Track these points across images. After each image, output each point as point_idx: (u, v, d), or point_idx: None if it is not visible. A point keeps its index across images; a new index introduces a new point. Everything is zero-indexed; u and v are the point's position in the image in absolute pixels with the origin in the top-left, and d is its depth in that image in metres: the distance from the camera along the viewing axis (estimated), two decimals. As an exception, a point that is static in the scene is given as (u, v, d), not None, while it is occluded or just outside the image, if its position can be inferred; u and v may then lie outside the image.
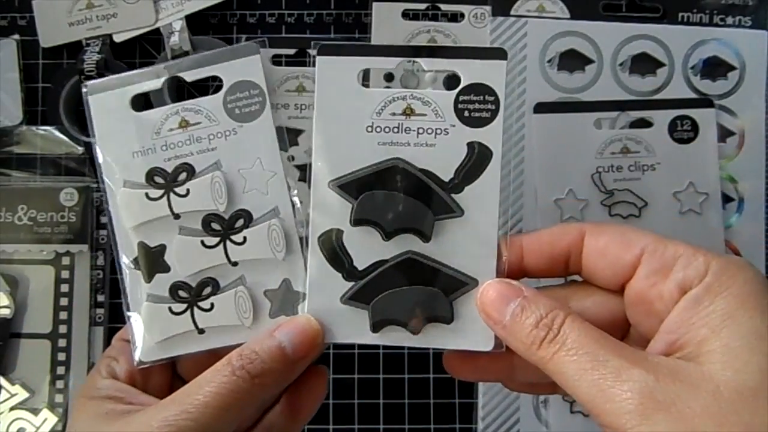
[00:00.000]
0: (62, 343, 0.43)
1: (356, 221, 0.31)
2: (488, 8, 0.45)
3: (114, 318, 0.44)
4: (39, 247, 0.43)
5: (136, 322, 0.32)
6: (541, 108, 0.43)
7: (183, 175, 0.33)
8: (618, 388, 0.24)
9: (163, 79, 0.33)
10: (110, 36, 0.45)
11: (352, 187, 0.32)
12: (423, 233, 0.31)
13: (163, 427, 0.28)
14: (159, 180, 0.33)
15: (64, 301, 0.43)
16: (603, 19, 0.45)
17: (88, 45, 0.44)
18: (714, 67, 0.45)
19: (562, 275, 0.31)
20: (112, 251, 0.33)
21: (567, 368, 0.26)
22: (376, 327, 0.31)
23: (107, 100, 0.33)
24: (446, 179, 0.32)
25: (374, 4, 0.44)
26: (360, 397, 0.45)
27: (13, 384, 0.43)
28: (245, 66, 0.33)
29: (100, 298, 0.44)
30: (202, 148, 0.33)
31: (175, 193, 0.32)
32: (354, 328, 0.31)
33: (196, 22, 0.45)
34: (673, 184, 0.43)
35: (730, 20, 0.45)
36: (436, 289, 0.31)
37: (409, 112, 0.32)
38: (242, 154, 0.33)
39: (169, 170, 0.33)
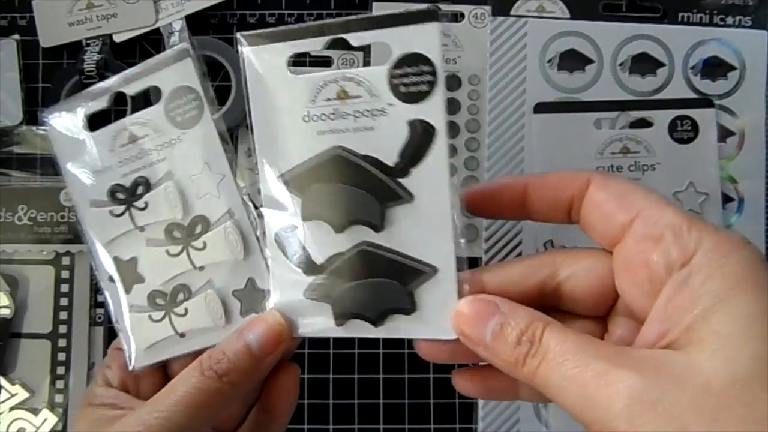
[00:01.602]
0: (62, 343, 0.43)
1: (305, 218, 0.30)
2: (488, 8, 0.45)
3: (114, 318, 0.44)
4: (39, 247, 0.43)
5: (124, 331, 0.33)
6: (541, 108, 0.43)
7: (140, 189, 0.33)
8: (603, 393, 0.23)
9: (107, 97, 0.33)
10: (110, 36, 0.45)
11: (296, 182, 0.30)
12: (371, 224, 0.29)
13: (138, 426, 0.29)
14: (120, 196, 0.33)
15: (64, 301, 0.43)
16: (603, 19, 0.45)
17: (88, 45, 0.44)
18: (714, 67, 0.45)
19: (563, 221, 0.29)
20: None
21: (551, 380, 0.24)
22: (338, 321, 0.30)
23: (62, 123, 0.34)
24: (391, 163, 0.29)
25: (374, 4, 0.44)
26: (360, 397, 0.45)
27: (13, 384, 0.43)
28: (179, 71, 0.33)
29: (100, 298, 0.44)
30: (152, 160, 0.33)
31: (135, 207, 0.33)
32: (319, 322, 0.30)
33: (196, 22, 0.45)
34: (673, 184, 0.43)
35: (730, 20, 0.45)
36: (394, 280, 0.29)
37: (343, 96, 0.29)
38: (190, 160, 0.33)
39: (127, 185, 0.33)
